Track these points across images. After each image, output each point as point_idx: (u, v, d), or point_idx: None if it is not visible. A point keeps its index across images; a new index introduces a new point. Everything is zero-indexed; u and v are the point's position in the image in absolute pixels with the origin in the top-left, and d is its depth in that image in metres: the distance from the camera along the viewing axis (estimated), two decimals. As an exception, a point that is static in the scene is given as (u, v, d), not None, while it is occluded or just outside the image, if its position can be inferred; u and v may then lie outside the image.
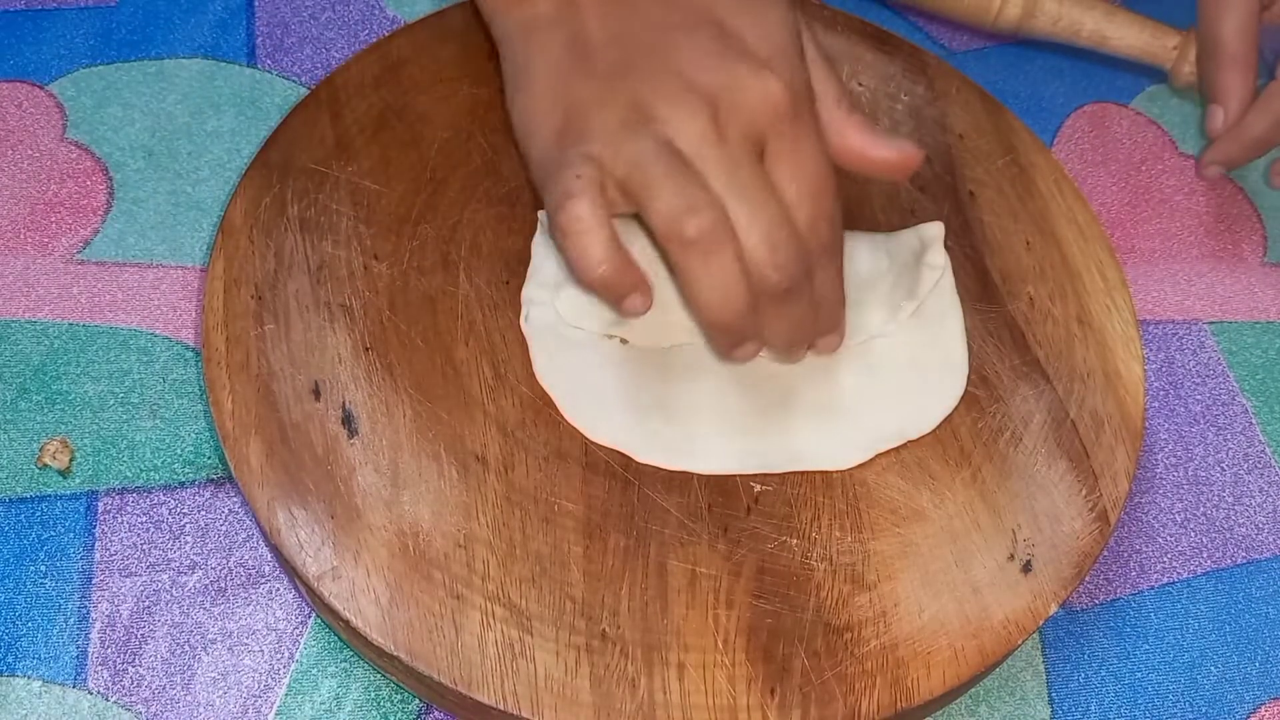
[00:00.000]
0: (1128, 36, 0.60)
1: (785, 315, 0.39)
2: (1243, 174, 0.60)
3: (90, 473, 0.46)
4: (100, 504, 0.45)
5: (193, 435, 0.47)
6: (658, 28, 0.39)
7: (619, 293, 0.38)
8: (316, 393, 0.42)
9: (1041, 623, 0.41)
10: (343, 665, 0.43)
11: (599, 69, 0.39)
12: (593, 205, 0.37)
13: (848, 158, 0.41)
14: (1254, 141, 0.57)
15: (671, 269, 0.39)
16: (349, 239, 0.45)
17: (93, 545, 0.44)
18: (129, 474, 0.46)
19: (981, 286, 0.48)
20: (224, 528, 0.45)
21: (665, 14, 0.40)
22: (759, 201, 0.37)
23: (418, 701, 0.43)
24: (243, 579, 0.44)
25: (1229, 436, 0.52)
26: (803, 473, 0.43)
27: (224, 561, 0.45)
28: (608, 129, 0.38)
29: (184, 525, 0.45)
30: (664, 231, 0.37)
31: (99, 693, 0.42)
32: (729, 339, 0.40)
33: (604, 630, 0.39)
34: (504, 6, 0.43)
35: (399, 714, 0.42)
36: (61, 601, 0.43)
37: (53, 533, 0.45)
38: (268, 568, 0.45)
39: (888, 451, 0.43)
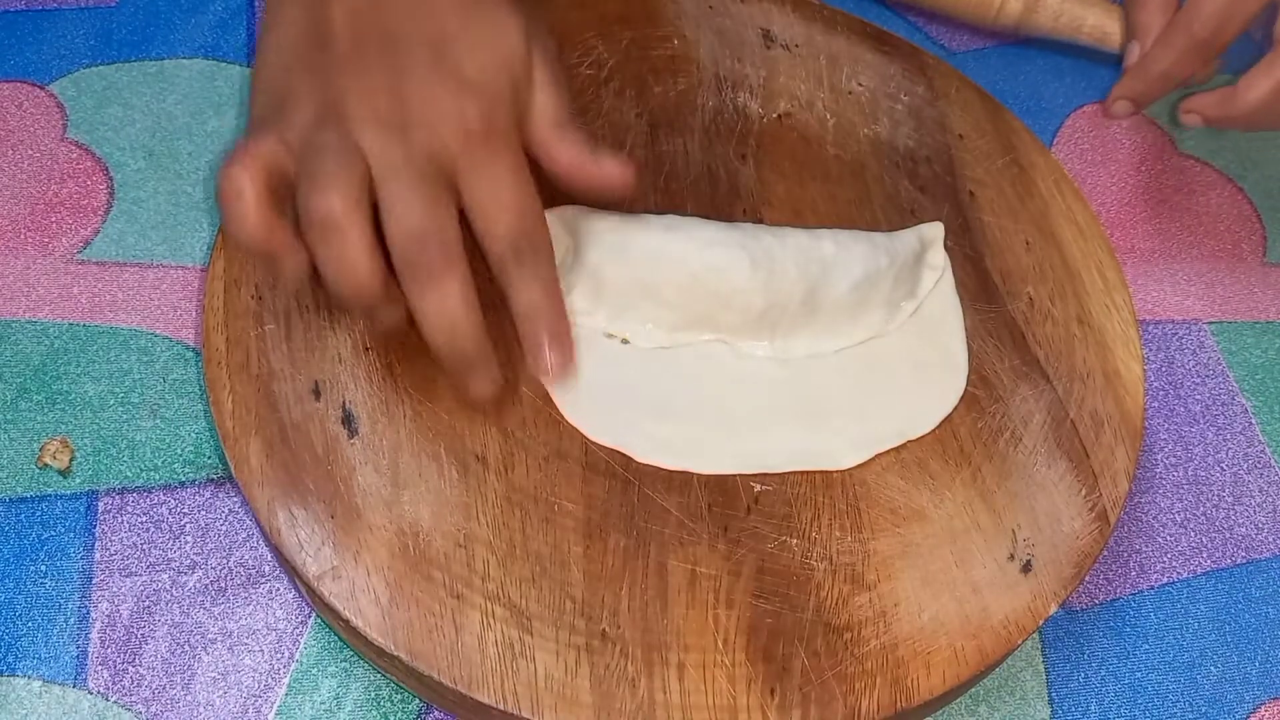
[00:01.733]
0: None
1: (433, 297, 0.40)
2: (1242, 174, 0.60)
3: (90, 473, 0.46)
4: (100, 504, 0.45)
5: (193, 435, 0.47)
6: (387, 36, 0.41)
7: (261, 250, 0.39)
8: (316, 393, 0.42)
9: (1041, 623, 0.41)
10: (343, 665, 0.43)
11: (321, 60, 0.40)
12: (252, 174, 0.38)
13: (564, 177, 0.43)
14: (1159, 76, 0.56)
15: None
16: (349, 239, 0.45)
17: (93, 545, 0.44)
18: (129, 474, 0.46)
19: (981, 286, 0.48)
20: (224, 528, 0.45)
21: (400, 21, 0.41)
22: (408, 198, 0.39)
23: (418, 701, 0.43)
24: (243, 579, 0.44)
25: (1229, 436, 0.52)
26: (803, 473, 0.43)
27: (224, 561, 0.45)
28: (305, 121, 0.39)
29: (184, 525, 0.45)
30: (300, 209, 0.39)
31: (99, 693, 0.42)
32: (363, 315, 0.43)
33: (604, 630, 0.39)
34: None
35: (399, 714, 0.42)
36: (61, 601, 0.43)
37: (53, 533, 0.45)
38: (268, 568, 0.45)
39: (888, 451, 0.43)
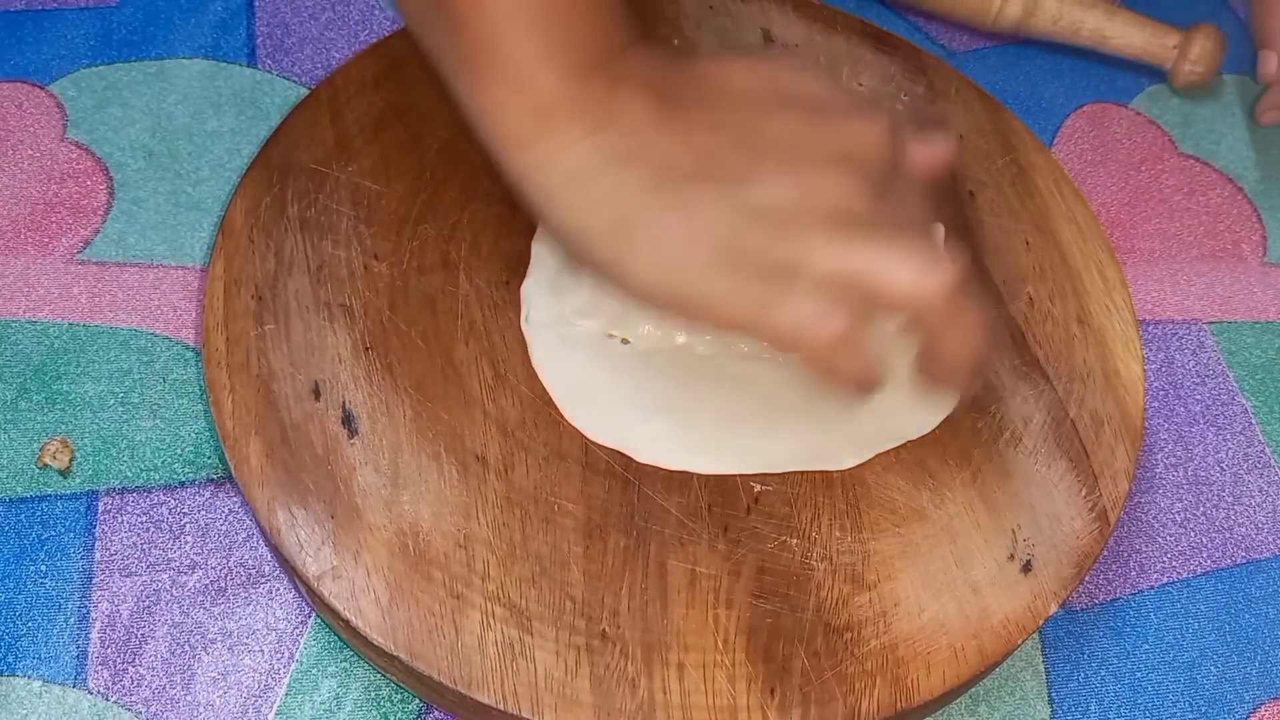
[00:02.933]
0: (1128, 36, 0.60)
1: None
2: (1242, 174, 0.60)
3: (90, 473, 0.46)
4: (100, 504, 0.45)
5: (193, 435, 0.47)
6: (736, 127, 0.38)
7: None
8: (316, 393, 0.42)
9: (1041, 623, 0.41)
10: (343, 665, 0.43)
11: (729, 221, 0.37)
12: (848, 320, 0.36)
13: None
14: None
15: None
16: (349, 239, 0.45)
17: (93, 545, 0.44)
18: (129, 474, 0.46)
19: (981, 286, 0.48)
20: (224, 528, 0.45)
21: (727, 114, 0.38)
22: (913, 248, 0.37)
23: (418, 701, 0.43)
24: (243, 579, 0.44)
25: (1229, 436, 0.52)
26: (803, 473, 0.43)
27: (224, 561, 0.45)
28: (799, 284, 0.36)
29: (184, 525, 0.45)
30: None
31: (99, 693, 0.42)
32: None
33: (604, 630, 0.39)
34: (520, 145, 0.39)
35: (399, 714, 0.42)
36: (61, 601, 0.43)
37: (53, 533, 0.45)
38: (268, 568, 0.45)
39: (888, 451, 0.43)
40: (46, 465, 0.46)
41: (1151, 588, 0.48)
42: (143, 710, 0.42)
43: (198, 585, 0.44)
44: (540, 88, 0.38)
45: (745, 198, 0.37)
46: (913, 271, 0.36)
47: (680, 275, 0.37)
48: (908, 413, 0.44)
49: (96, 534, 0.45)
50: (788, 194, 0.37)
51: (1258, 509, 0.50)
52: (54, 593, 0.43)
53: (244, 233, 0.45)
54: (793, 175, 0.37)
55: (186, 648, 0.43)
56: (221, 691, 0.42)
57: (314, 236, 0.45)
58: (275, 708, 0.42)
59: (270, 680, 0.43)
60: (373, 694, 0.43)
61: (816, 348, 0.37)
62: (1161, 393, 0.53)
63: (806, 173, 0.37)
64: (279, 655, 0.43)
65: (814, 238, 0.36)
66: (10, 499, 0.45)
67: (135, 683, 0.42)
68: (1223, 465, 0.51)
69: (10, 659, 0.42)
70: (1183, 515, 0.50)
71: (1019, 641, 0.40)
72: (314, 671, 0.43)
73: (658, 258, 0.37)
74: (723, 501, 0.42)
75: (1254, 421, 0.52)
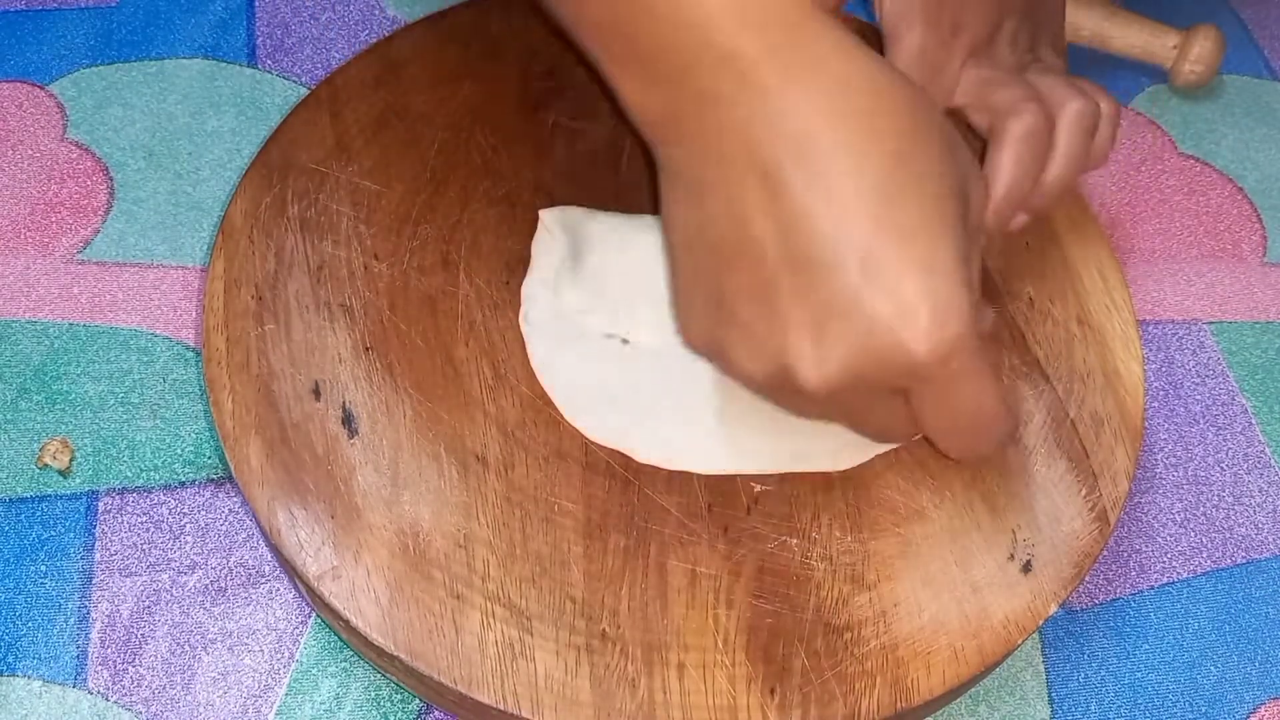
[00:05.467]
0: (1128, 36, 0.60)
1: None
2: (1242, 174, 0.60)
3: (90, 473, 0.46)
4: (100, 504, 0.45)
5: (193, 435, 0.47)
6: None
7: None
8: (316, 393, 0.42)
9: (1041, 623, 0.41)
10: (343, 665, 0.43)
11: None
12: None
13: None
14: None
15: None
16: (349, 239, 0.45)
17: (93, 545, 0.44)
18: (129, 474, 0.46)
19: (981, 286, 0.48)
20: (224, 528, 0.45)
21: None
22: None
23: (418, 701, 0.43)
24: (243, 579, 0.44)
25: (1229, 436, 0.52)
26: (803, 473, 0.43)
27: (224, 561, 0.45)
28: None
29: (184, 525, 0.45)
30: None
31: (99, 693, 0.42)
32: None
33: (604, 630, 0.39)
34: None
35: (399, 714, 0.42)
36: (61, 601, 0.43)
37: (53, 533, 0.45)
38: (268, 568, 0.45)
39: (888, 451, 0.43)
40: (46, 465, 0.46)
41: (1151, 588, 0.48)
42: (143, 710, 0.42)
43: (198, 585, 0.44)
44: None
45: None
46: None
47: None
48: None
49: (96, 534, 0.45)
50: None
51: (1258, 509, 0.50)
52: (54, 593, 0.43)
53: (244, 233, 0.45)
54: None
55: (186, 648, 0.43)
56: (221, 692, 0.42)
57: (314, 236, 0.45)
58: (275, 708, 0.42)
59: (270, 680, 0.43)
60: (373, 694, 0.43)
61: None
62: (1161, 393, 0.53)
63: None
64: (279, 655, 0.43)
65: None
66: (10, 499, 0.45)
67: (135, 683, 0.42)
68: (1223, 465, 0.51)
69: (10, 659, 0.42)
70: (1183, 515, 0.50)
71: (1019, 641, 0.40)
72: (314, 671, 0.43)
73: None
74: (723, 501, 0.42)
75: (1254, 421, 0.52)
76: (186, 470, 0.46)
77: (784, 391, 0.37)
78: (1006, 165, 0.43)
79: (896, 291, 0.34)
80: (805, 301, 0.35)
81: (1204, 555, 0.49)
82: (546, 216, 0.46)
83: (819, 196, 0.34)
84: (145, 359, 0.48)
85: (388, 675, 0.41)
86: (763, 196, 0.35)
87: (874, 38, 0.56)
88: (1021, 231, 0.50)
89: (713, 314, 0.38)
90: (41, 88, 0.55)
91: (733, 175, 0.35)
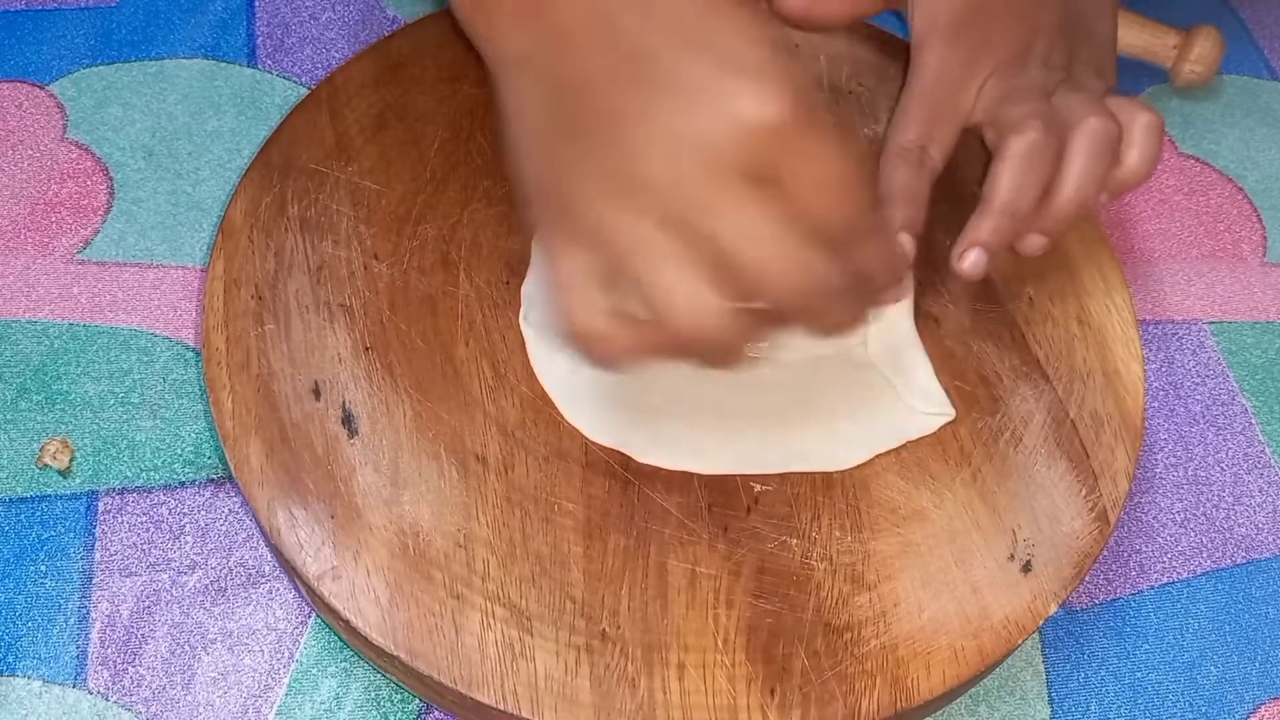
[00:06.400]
0: (1128, 36, 0.60)
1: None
2: (1242, 174, 0.60)
3: (90, 473, 0.46)
4: (100, 504, 0.45)
5: (193, 435, 0.47)
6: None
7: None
8: (316, 393, 0.42)
9: (1041, 623, 0.41)
10: (343, 665, 0.43)
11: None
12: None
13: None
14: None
15: None
16: (349, 239, 0.45)
17: (93, 545, 0.44)
18: (129, 474, 0.46)
19: (981, 286, 0.48)
20: (224, 528, 0.45)
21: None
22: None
23: (418, 701, 0.43)
24: (243, 579, 0.44)
25: (1229, 436, 0.52)
26: (803, 473, 0.43)
27: (224, 561, 0.45)
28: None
29: (184, 525, 0.45)
30: None
31: (99, 693, 0.42)
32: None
33: (604, 630, 0.39)
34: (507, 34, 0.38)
35: (399, 714, 0.42)
36: (61, 601, 0.43)
37: (53, 533, 0.45)
38: (268, 568, 0.45)
39: (888, 451, 0.43)
40: (46, 465, 0.46)
41: (1151, 588, 0.48)
42: (143, 710, 0.42)
43: (198, 585, 0.44)
44: None
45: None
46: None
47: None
48: (908, 413, 0.44)
49: (96, 534, 0.45)
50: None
51: (1258, 509, 0.50)
52: (54, 593, 0.43)
53: (244, 233, 0.45)
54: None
55: (186, 648, 0.43)
56: (221, 691, 0.42)
57: (314, 236, 0.45)
58: (275, 708, 0.42)
59: (270, 680, 0.43)
60: (373, 694, 0.43)
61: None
62: (1161, 393, 0.53)
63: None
64: (279, 655, 0.43)
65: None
66: (10, 499, 0.45)
67: (135, 683, 0.42)
68: (1223, 465, 0.51)
69: (10, 659, 0.42)
70: (1183, 515, 0.50)
71: (1019, 641, 0.40)
72: (314, 671, 0.43)
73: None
74: (723, 501, 0.42)
75: (1254, 421, 0.52)
76: (186, 470, 0.46)
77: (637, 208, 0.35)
78: (1001, 182, 0.43)
79: (726, 79, 0.33)
80: (658, 108, 0.34)
81: (1204, 555, 0.49)
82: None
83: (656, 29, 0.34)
84: (145, 359, 0.48)
85: (388, 675, 0.41)
86: (608, 38, 0.34)
87: (902, 51, 0.56)
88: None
89: (567, 173, 0.36)
90: (41, 88, 0.55)
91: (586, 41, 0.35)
